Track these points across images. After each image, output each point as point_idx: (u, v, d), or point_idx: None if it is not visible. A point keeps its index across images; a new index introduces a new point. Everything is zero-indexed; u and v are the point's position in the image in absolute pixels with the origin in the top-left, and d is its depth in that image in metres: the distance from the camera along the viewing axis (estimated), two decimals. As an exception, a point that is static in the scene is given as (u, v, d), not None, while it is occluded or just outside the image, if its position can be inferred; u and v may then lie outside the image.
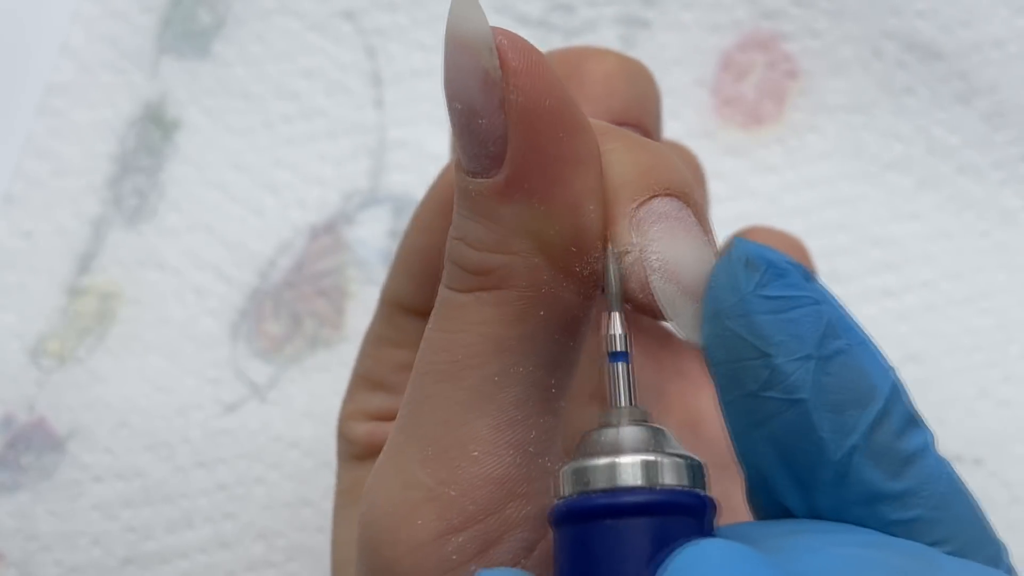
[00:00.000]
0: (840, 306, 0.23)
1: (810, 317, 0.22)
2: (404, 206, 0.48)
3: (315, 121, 0.49)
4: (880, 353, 0.23)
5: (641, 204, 0.23)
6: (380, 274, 0.47)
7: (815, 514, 0.23)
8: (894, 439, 0.22)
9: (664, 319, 0.23)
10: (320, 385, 0.45)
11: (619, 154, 0.24)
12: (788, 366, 0.22)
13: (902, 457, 0.22)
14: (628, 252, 0.23)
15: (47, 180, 0.49)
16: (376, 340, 0.30)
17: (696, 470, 0.22)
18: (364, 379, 0.31)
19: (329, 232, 0.48)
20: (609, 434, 0.23)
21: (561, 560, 0.22)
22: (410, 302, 0.30)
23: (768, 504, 0.24)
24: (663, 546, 0.21)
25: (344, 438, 0.31)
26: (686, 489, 0.22)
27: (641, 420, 0.23)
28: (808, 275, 0.22)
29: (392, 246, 0.47)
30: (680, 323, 0.23)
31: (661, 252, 0.23)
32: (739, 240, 0.23)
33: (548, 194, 0.23)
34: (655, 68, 0.50)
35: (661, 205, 0.23)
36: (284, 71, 0.50)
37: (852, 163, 0.47)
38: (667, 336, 0.34)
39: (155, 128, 0.49)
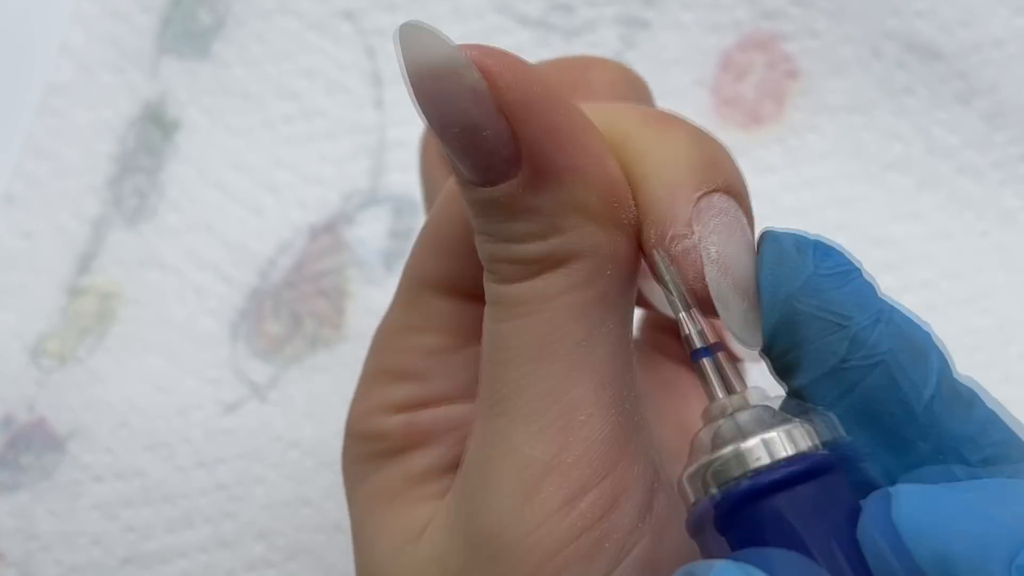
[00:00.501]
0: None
1: (867, 285, 0.24)
2: (404, 206, 0.48)
3: (315, 121, 0.49)
4: (912, 312, 0.24)
5: (703, 196, 0.24)
6: (380, 274, 0.47)
7: (900, 473, 0.24)
8: (956, 384, 0.24)
9: (706, 312, 0.24)
10: (320, 385, 0.45)
11: (685, 143, 0.25)
12: (864, 332, 0.23)
13: (966, 400, 0.24)
14: (686, 237, 0.24)
15: (47, 180, 0.49)
16: (398, 330, 0.28)
17: (823, 430, 0.23)
18: (384, 373, 0.29)
19: (329, 232, 0.48)
20: (728, 424, 0.23)
21: (726, 552, 0.22)
22: (440, 280, 0.28)
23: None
24: (836, 504, 0.22)
25: (367, 437, 0.29)
26: (832, 446, 0.23)
27: (745, 405, 0.23)
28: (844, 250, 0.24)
29: (392, 246, 0.47)
30: (729, 318, 0.24)
31: (719, 245, 0.24)
32: (775, 230, 0.24)
33: (575, 165, 0.24)
34: (655, 68, 0.50)
35: (721, 201, 0.24)
36: (284, 71, 0.50)
37: (852, 163, 0.47)
38: (660, 345, 0.34)
39: (155, 128, 0.49)
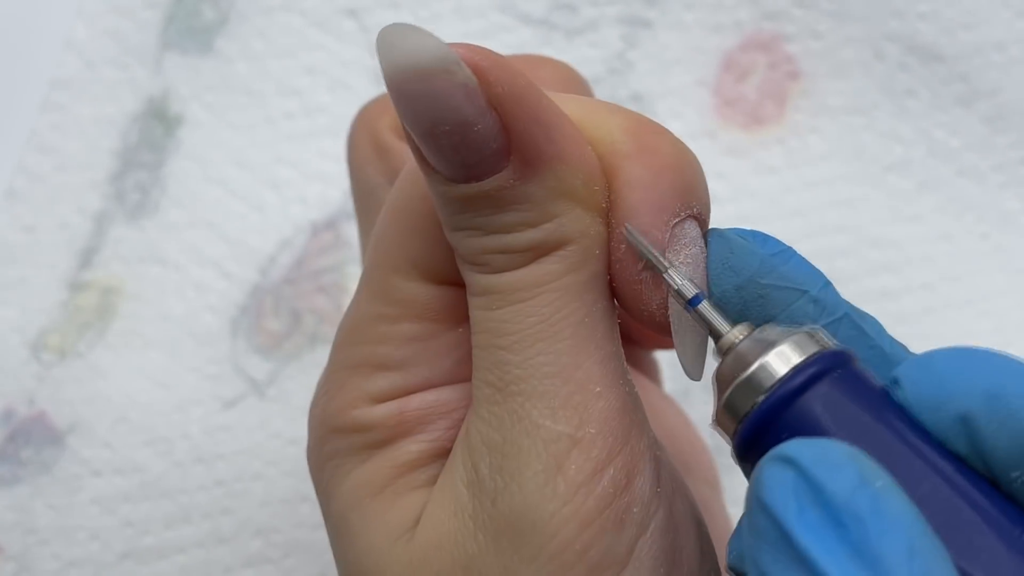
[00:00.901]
0: None
1: (804, 260, 0.25)
2: (405, 204, 0.48)
3: (317, 118, 0.49)
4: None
5: (678, 223, 0.25)
6: (380, 271, 0.47)
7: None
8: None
9: (661, 338, 0.26)
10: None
11: (671, 162, 0.26)
12: (822, 294, 0.25)
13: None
14: (662, 261, 0.25)
15: (49, 175, 0.49)
16: (371, 320, 0.28)
17: (822, 336, 0.24)
18: (359, 366, 0.28)
19: (330, 229, 0.48)
20: (747, 344, 0.24)
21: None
22: (414, 265, 0.27)
23: None
24: (869, 385, 0.23)
25: (351, 430, 0.28)
26: (839, 348, 0.24)
27: (752, 330, 0.25)
28: None
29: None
30: (682, 349, 0.26)
31: (690, 275, 0.25)
32: (716, 229, 0.26)
33: (561, 153, 0.25)
34: (657, 68, 0.50)
35: (692, 230, 0.25)
36: (286, 68, 0.50)
37: (852, 164, 0.47)
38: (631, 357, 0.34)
39: (157, 124, 0.49)
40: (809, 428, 0.23)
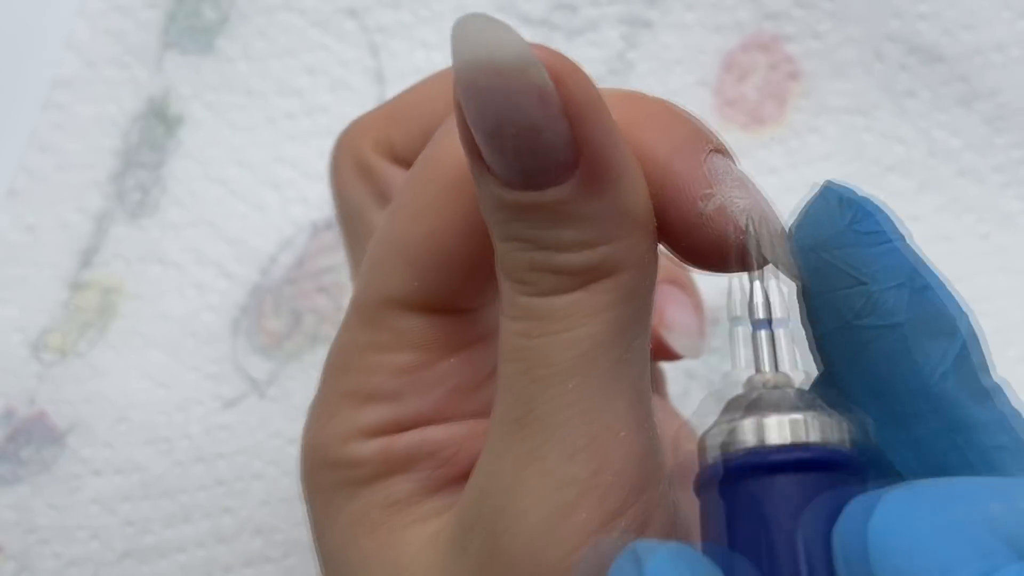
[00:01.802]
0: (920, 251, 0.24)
1: (901, 251, 0.24)
2: (405, 204, 0.48)
3: (318, 118, 0.49)
4: (957, 296, 0.24)
5: (706, 157, 0.24)
6: (381, 271, 0.47)
7: (906, 450, 0.24)
8: (977, 372, 0.24)
9: (739, 265, 0.24)
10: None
11: (667, 115, 0.25)
12: (884, 294, 0.23)
13: (985, 390, 0.24)
14: (712, 196, 0.24)
15: (50, 174, 0.49)
16: (360, 349, 0.27)
17: (858, 428, 0.23)
18: (351, 395, 0.27)
19: (331, 229, 0.48)
20: (765, 396, 0.23)
21: (722, 520, 0.22)
22: (408, 296, 0.26)
23: None
24: (841, 500, 0.21)
25: (340, 464, 0.27)
26: (854, 447, 0.23)
27: (787, 384, 0.23)
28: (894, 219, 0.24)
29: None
30: (776, 258, 0.24)
31: (743, 199, 0.24)
32: (831, 182, 0.24)
33: (626, 170, 0.23)
34: (657, 68, 0.50)
35: (720, 161, 0.24)
36: (287, 67, 0.50)
37: (853, 165, 0.47)
38: None
39: (158, 123, 0.49)
40: (733, 509, 0.22)
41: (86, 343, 0.46)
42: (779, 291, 0.24)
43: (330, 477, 0.27)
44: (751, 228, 0.24)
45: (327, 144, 0.49)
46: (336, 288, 0.47)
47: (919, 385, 0.23)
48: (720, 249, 0.24)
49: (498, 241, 0.24)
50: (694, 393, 0.45)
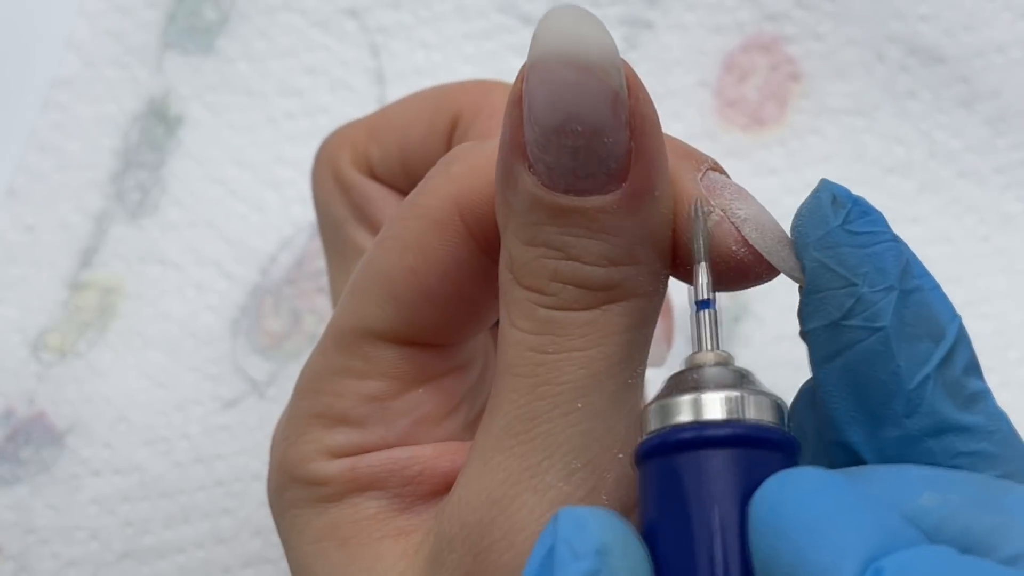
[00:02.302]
0: (912, 252, 0.24)
1: (893, 252, 0.23)
2: (405, 204, 0.48)
3: (317, 118, 0.49)
4: (948, 299, 0.24)
5: (702, 175, 0.24)
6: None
7: (880, 450, 0.24)
8: (962, 376, 0.24)
9: (754, 275, 0.24)
10: (319, 382, 0.45)
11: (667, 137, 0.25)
12: (872, 295, 0.23)
13: (968, 394, 0.24)
14: (711, 212, 0.24)
15: (50, 174, 0.49)
16: (333, 373, 0.27)
17: (781, 409, 0.23)
18: (320, 417, 0.27)
19: (330, 229, 0.48)
20: (698, 373, 0.23)
21: (648, 494, 0.23)
22: (386, 329, 0.27)
23: (831, 447, 0.25)
24: (755, 477, 0.22)
25: (307, 482, 0.28)
26: (774, 426, 0.23)
27: (725, 362, 0.24)
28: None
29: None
30: (781, 264, 0.24)
31: (743, 209, 0.24)
32: (826, 181, 0.24)
33: (664, 195, 0.24)
34: (658, 69, 0.50)
35: (716, 176, 0.25)
36: (287, 68, 0.50)
37: (853, 166, 0.47)
38: None
39: (158, 123, 0.49)
40: (657, 483, 0.23)
41: (85, 343, 0.46)
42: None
43: (298, 494, 0.28)
44: (697, 213, 0.24)
45: (327, 144, 0.49)
46: (336, 289, 0.47)
47: (898, 388, 0.23)
48: (731, 265, 0.24)
49: (521, 245, 0.24)
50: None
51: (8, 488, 0.44)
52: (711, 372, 0.23)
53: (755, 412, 0.23)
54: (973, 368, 0.24)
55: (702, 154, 0.25)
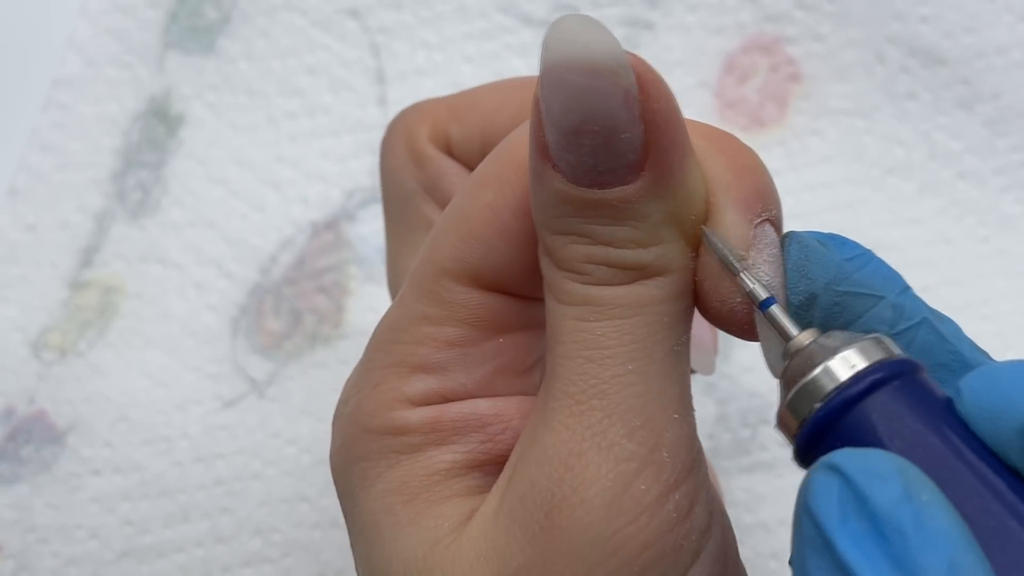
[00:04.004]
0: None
1: (883, 263, 0.25)
2: (406, 204, 0.48)
3: (318, 118, 0.49)
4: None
5: (759, 224, 0.25)
6: (380, 271, 0.47)
7: None
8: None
9: (736, 332, 0.26)
10: (318, 382, 0.45)
11: (749, 167, 0.26)
12: (900, 299, 0.25)
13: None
14: (744, 259, 0.25)
15: (51, 174, 0.49)
16: (413, 320, 0.27)
17: (888, 345, 0.24)
18: (399, 364, 0.27)
19: (330, 229, 0.48)
20: (808, 351, 0.24)
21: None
22: (463, 268, 0.27)
23: None
24: (931, 396, 0.23)
25: (385, 432, 0.27)
26: (903, 356, 0.24)
27: (817, 335, 0.25)
28: None
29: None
30: (766, 345, 0.26)
31: (769, 276, 0.25)
32: (794, 232, 0.25)
33: (684, 181, 0.25)
34: (659, 69, 0.50)
35: (770, 233, 0.26)
36: (288, 68, 0.50)
37: (853, 167, 0.47)
38: None
39: (159, 123, 0.49)
40: (864, 436, 0.23)
41: (86, 342, 0.46)
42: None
43: (372, 445, 0.27)
44: (713, 239, 0.25)
45: (328, 144, 0.49)
46: (336, 288, 0.47)
47: (961, 362, 0.25)
48: (727, 310, 0.25)
49: (552, 235, 0.25)
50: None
51: (8, 487, 0.44)
52: (821, 342, 0.24)
53: (889, 350, 0.24)
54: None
55: (772, 202, 0.26)
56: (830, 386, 0.23)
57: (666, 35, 0.49)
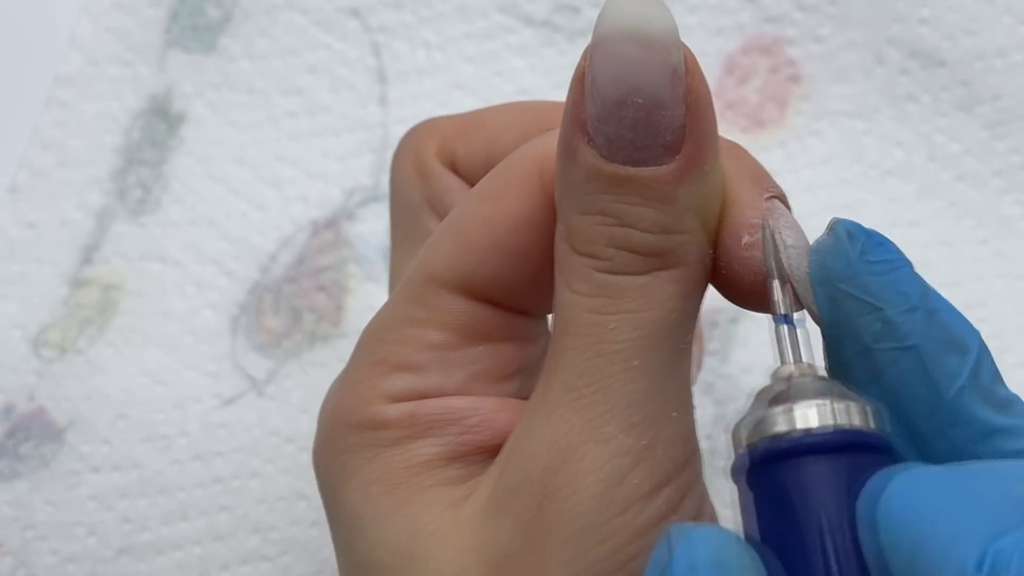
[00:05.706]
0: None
1: (911, 276, 0.25)
2: (406, 203, 0.48)
3: (319, 117, 0.49)
4: (963, 315, 0.26)
5: (769, 198, 0.26)
6: (380, 271, 0.47)
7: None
8: (991, 384, 0.25)
9: (753, 299, 0.26)
10: (318, 380, 0.45)
11: (749, 158, 0.27)
12: (898, 317, 0.25)
13: (1000, 400, 0.25)
14: (765, 227, 0.26)
15: (52, 171, 0.49)
16: (399, 322, 0.28)
17: (880, 413, 0.24)
18: (381, 363, 0.28)
19: (330, 228, 0.48)
20: (786, 385, 0.25)
21: (755, 505, 0.24)
22: (453, 276, 0.28)
23: None
24: (859, 479, 0.23)
25: (365, 426, 0.28)
26: (871, 429, 0.24)
27: (811, 373, 0.25)
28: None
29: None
30: (807, 299, 0.26)
31: (792, 238, 0.26)
32: (839, 218, 0.26)
33: (714, 171, 0.25)
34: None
35: (782, 205, 0.27)
36: (289, 66, 0.50)
37: (853, 168, 0.48)
38: None
39: (160, 121, 0.50)
40: (772, 489, 0.23)
41: (86, 340, 0.46)
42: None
43: (352, 440, 0.28)
44: (767, 234, 0.26)
45: (328, 143, 0.49)
46: (335, 287, 0.47)
47: (939, 402, 0.25)
48: (751, 283, 0.26)
49: (578, 215, 0.26)
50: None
51: (7, 484, 0.44)
52: (800, 383, 0.24)
53: (850, 418, 0.24)
54: (998, 377, 0.25)
55: (773, 181, 0.27)
56: (768, 431, 0.24)
57: (666, 36, 0.49)
